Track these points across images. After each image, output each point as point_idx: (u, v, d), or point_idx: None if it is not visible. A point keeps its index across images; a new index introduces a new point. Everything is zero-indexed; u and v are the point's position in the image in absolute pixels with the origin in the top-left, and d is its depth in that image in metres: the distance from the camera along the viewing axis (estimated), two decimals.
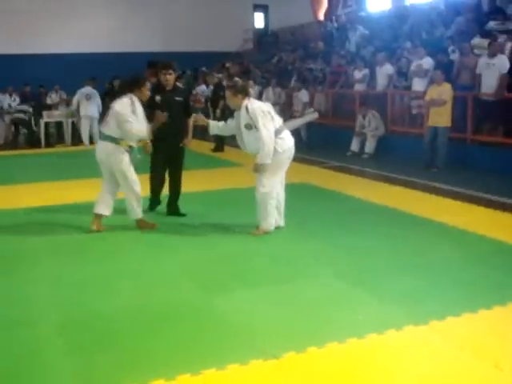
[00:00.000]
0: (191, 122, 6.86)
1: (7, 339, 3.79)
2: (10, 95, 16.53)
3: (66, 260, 5.45)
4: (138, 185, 6.18)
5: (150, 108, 6.47)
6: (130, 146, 6.10)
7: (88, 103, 14.85)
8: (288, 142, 5.94)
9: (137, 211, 6.29)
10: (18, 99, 16.58)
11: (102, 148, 6.10)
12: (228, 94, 6.04)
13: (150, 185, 7.15)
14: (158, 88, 6.92)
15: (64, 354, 3.56)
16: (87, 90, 14.95)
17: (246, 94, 5.89)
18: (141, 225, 6.37)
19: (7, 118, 16.03)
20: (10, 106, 16.14)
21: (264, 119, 5.71)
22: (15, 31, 20.70)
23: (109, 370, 3.33)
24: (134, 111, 5.95)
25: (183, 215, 7.00)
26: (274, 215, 6.04)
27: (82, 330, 3.91)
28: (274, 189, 5.92)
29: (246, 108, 5.80)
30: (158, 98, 6.78)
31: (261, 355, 3.43)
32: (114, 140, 5.99)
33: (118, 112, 5.93)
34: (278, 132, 5.83)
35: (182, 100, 6.97)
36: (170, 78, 6.85)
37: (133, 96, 6.04)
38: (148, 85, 6.26)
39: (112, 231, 6.37)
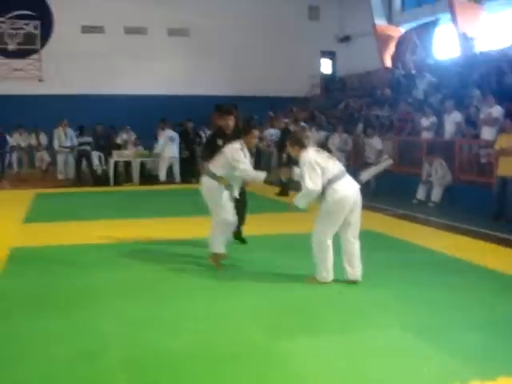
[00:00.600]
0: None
1: (73, 371, 3.88)
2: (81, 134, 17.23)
3: (132, 297, 5.57)
4: (229, 223, 6.62)
5: (212, 150, 7.07)
6: (229, 185, 6.56)
7: (172, 144, 15.94)
8: (343, 192, 5.81)
9: (216, 245, 6.60)
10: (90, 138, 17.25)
11: (206, 182, 6.62)
12: (288, 145, 6.22)
13: None
14: (219, 132, 7.53)
15: None
16: (171, 133, 16.00)
17: (302, 146, 5.97)
18: (213, 259, 6.64)
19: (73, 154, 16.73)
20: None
21: (310, 171, 5.77)
22: (93, 72, 21.54)
23: None
24: (244, 155, 6.45)
25: (246, 242, 7.67)
26: (327, 267, 5.94)
27: (145, 367, 3.97)
28: (327, 238, 5.88)
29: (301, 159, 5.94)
30: (219, 141, 7.26)
31: None
32: (216, 177, 6.46)
33: (232, 155, 6.40)
34: (332, 180, 5.80)
35: None
36: (230, 123, 7.43)
37: (242, 142, 6.55)
38: (256, 133, 6.80)
39: (183, 271, 6.52)
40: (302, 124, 17.90)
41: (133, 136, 17.31)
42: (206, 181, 6.62)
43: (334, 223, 5.86)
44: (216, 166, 6.55)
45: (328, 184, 5.78)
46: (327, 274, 5.95)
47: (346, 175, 5.97)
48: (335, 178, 5.83)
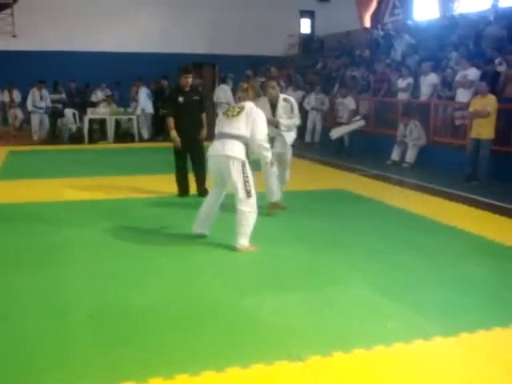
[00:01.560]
0: (204, 117, 8.17)
1: (41, 326, 3.90)
2: (55, 90, 17.04)
3: (101, 254, 5.57)
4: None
5: (174, 106, 7.96)
6: None
7: (149, 102, 16.36)
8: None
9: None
10: (64, 95, 17.01)
11: None
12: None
13: (176, 173, 8.24)
14: (179, 89, 8.11)
15: (95, 344, 3.66)
16: (147, 90, 16.43)
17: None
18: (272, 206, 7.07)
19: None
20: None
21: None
22: (66, 28, 21.10)
23: (134, 364, 3.39)
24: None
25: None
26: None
27: (112, 322, 3.99)
28: None
29: None
30: (180, 98, 7.97)
31: (286, 357, 3.45)
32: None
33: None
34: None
35: (199, 99, 8.15)
36: (189, 81, 8.01)
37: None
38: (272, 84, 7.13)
39: (153, 228, 6.49)
40: (280, 83, 17.79)
41: (108, 93, 17.08)
42: None
43: None
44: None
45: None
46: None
47: (220, 139, 5.71)
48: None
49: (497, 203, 8.07)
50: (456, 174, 10.00)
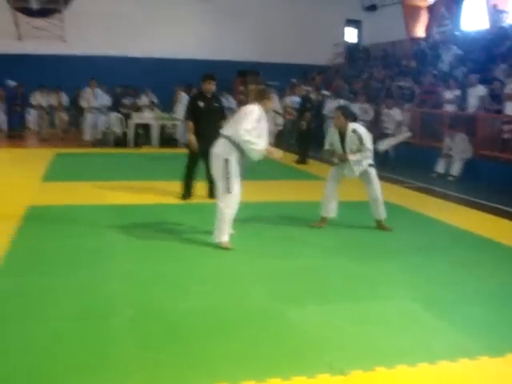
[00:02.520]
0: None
1: (82, 329, 3.94)
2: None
3: (143, 259, 5.61)
4: None
5: (194, 111, 8.17)
6: None
7: None
8: None
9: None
10: (109, 99, 17.10)
11: None
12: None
13: (185, 175, 8.43)
14: (201, 94, 8.32)
15: (134, 348, 3.67)
16: (186, 96, 15.61)
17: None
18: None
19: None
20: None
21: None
22: (116, 34, 21.39)
23: (174, 370, 3.40)
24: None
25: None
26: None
27: (153, 327, 4.01)
28: None
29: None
30: (201, 103, 8.18)
31: (328, 370, 3.42)
32: None
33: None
34: None
35: (219, 106, 8.41)
36: (212, 87, 8.21)
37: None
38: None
39: (194, 234, 6.53)
40: (325, 92, 17.76)
41: (153, 99, 17.23)
42: None
43: None
44: None
45: None
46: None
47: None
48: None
49: None
50: (503, 189, 9.80)
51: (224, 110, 8.58)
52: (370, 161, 6.96)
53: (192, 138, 8.15)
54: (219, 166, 5.88)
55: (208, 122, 8.01)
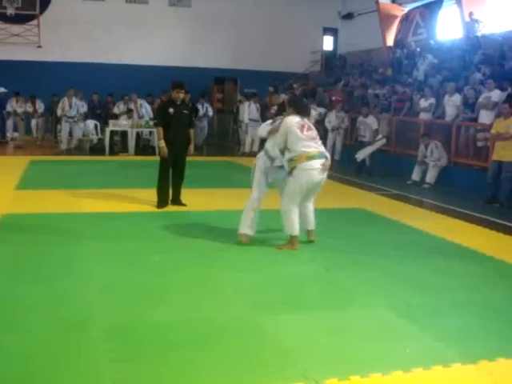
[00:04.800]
0: (192, 132, 8.67)
1: (56, 339, 3.88)
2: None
3: (119, 268, 5.56)
4: None
5: (164, 117, 8.29)
6: None
7: None
8: None
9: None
10: (85, 106, 16.96)
11: None
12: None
13: (158, 183, 8.43)
14: (171, 102, 8.43)
15: (109, 361, 3.63)
16: None
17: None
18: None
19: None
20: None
21: None
22: (91, 40, 21.29)
23: (149, 381, 3.38)
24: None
25: (184, 205, 8.48)
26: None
27: (129, 337, 3.97)
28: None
29: None
30: (171, 110, 8.28)
31: (303, 379, 3.42)
32: None
33: None
34: None
35: (188, 113, 8.58)
36: (180, 96, 8.36)
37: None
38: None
39: (172, 243, 6.49)
40: (319, 109, 17.81)
41: (130, 106, 17.10)
42: None
43: None
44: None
45: None
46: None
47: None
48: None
49: None
50: (477, 196, 9.92)
51: (192, 118, 8.85)
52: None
53: (163, 145, 8.22)
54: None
55: (178, 128, 8.30)
